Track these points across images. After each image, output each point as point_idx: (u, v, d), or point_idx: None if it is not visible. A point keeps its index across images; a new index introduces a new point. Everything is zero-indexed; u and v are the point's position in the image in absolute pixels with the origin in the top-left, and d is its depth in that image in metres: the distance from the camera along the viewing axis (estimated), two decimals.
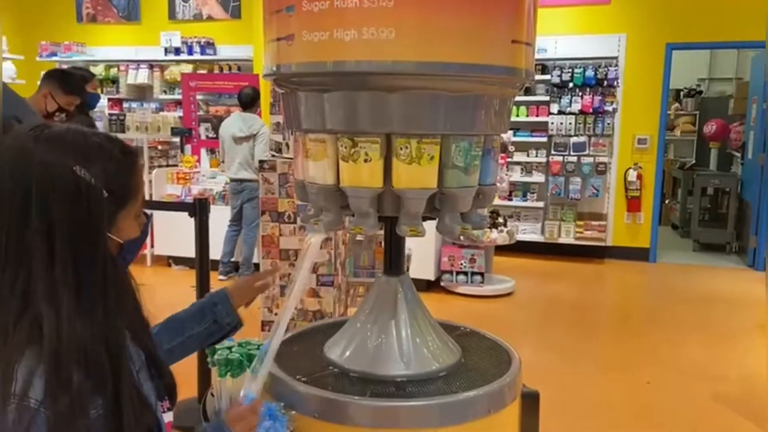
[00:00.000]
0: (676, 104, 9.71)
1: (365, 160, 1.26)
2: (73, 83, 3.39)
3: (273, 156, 3.00)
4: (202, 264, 3.03)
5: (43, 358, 0.84)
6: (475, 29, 1.22)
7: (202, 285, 3.04)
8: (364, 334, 1.46)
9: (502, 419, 1.39)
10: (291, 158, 2.88)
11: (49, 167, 0.90)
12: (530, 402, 1.53)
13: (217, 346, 1.40)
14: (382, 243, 3.45)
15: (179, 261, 6.05)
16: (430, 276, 5.30)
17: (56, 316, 0.87)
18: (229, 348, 1.41)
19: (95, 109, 5.24)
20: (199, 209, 2.86)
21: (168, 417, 1.07)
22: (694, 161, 9.21)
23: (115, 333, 0.94)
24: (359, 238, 3.37)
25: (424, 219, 1.36)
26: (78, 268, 0.90)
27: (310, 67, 1.26)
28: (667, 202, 9.23)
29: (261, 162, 2.90)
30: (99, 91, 6.75)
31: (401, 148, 1.26)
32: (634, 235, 6.90)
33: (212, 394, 1.46)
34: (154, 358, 1.08)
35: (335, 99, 1.28)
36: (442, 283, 5.41)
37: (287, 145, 2.86)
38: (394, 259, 1.52)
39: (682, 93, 9.77)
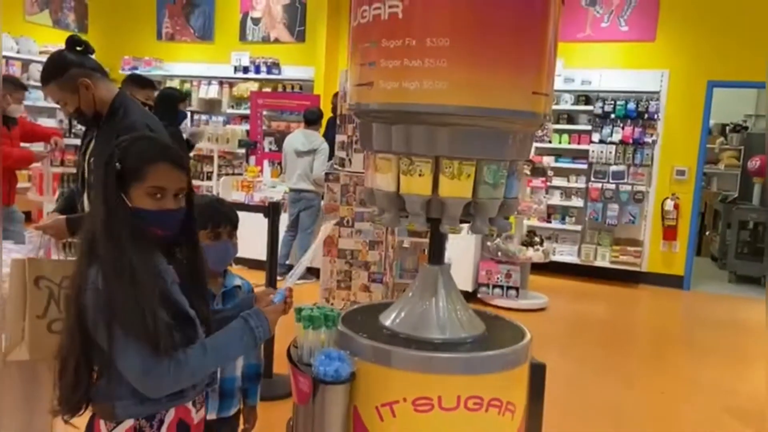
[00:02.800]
0: (722, 138, 9.87)
1: (419, 175, 1.73)
2: (144, 80, 4.09)
3: (336, 169, 3.51)
4: (272, 261, 3.54)
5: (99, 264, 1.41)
6: (505, 83, 1.68)
7: (272, 280, 3.55)
8: (411, 306, 1.92)
9: (513, 377, 1.81)
10: (352, 171, 3.39)
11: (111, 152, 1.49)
12: (538, 371, 1.95)
13: (303, 306, 1.88)
14: (425, 250, 3.91)
15: (238, 261, 6.62)
16: (468, 288, 5.71)
17: (100, 240, 1.42)
18: (311, 308, 1.89)
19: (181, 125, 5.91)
20: (272, 211, 3.38)
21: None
22: (736, 195, 9.33)
23: (134, 255, 1.42)
24: (406, 245, 3.84)
25: (461, 222, 1.82)
26: (106, 210, 1.44)
27: (383, 107, 1.74)
28: (707, 233, 9.37)
29: (327, 174, 3.42)
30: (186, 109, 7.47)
31: (446, 168, 1.72)
32: (669, 263, 7.14)
33: (295, 346, 1.94)
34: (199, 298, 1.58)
35: (400, 130, 1.75)
36: (479, 295, 5.81)
37: (350, 160, 3.36)
38: (436, 252, 1.98)
39: (728, 128, 9.92)
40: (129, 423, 1.46)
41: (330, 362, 1.71)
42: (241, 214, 2.44)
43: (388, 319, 1.93)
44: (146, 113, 2.50)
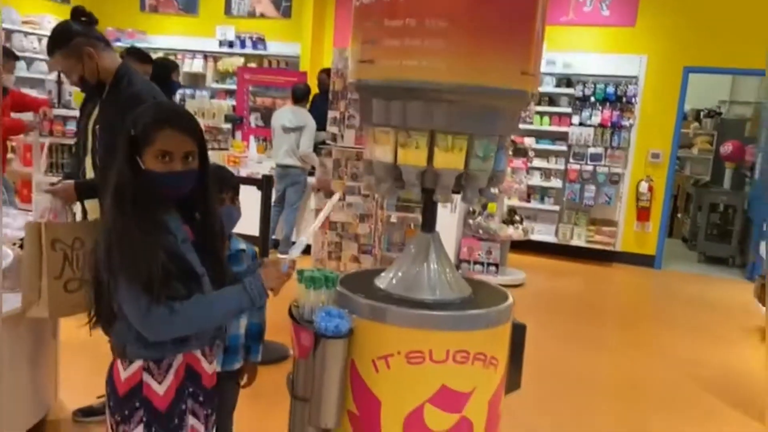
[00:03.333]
0: (696, 123, 10.15)
1: (416, 147, 1.87)
2: (145, 55, 4.13)
3: (328, 144, 3.64)
4: (265, 233, 3.66)
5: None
6: (497, 63, 1.82)
7: (264, 252, 3.67)
8: (405, 269, 2.07)
9: (496, 334, 1.98)
10: (344, 147, 3.51)
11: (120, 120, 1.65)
12: (519, 331, 2.13)
13: (304, 269, 2.02)
14: (412, 225, 4.06)
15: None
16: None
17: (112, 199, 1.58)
18: (312, 270, 2.03)
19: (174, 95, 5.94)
20: (266, 184, 3.50)
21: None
22: (708, 179, 9.65)
23: (141, 212, 1.55)
24: (393, 219, 3.99)
25: (453, 192, 1.97)
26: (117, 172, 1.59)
27: (383, 83, 1.87)
28: (679, 216, 9.69)
29: (318, 147, 3.54)
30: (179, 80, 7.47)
31: (441, 141, 1.86)
32: (641, 243, 7.41)
33: (296, 305, 2.08)
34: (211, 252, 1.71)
35: (399, 105, 1.88)
36: (459, 271, 5.97)
37: (342, 136, 3.49)
38: (429, 220, 2.13)
39: (702, 113, 10.20)
40: (139, 363, 1.60)
41: (330, 319, 1.85)
42: None
43: (384, 282, 2.08)
44: (149, 84, 2.59)
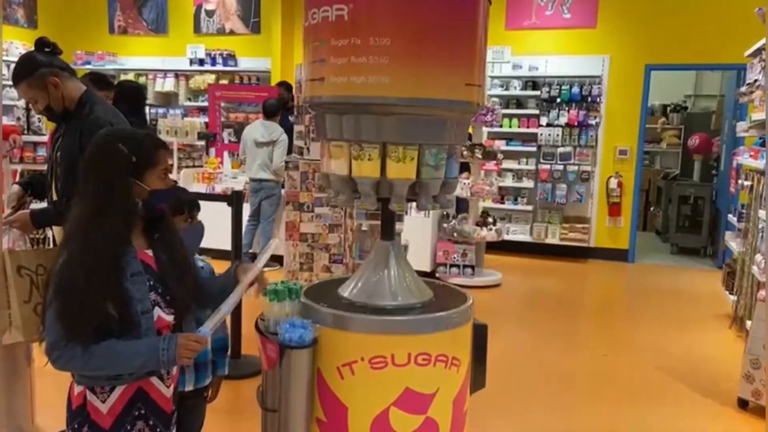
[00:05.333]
0: (663, 119, 10.38)
1: (369, 159, 1.95)
2: (103, 81, 4.14)
3: (295, 157, 3.70)
4: (236, 248, 3.71)
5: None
6: (441, 77, 1.90)
7: (236, 256, 3.72)
8: (366, 277, 2.14)
9: (456, 335, 2.05)
10: (311, 159, 3.58)
11: (108, 144, 1.68)
12: (480, 331, 2.20)
13: (272, 282, 2.08)
14: None
15: (203, 252, 6.74)
16: (427, 268, 5.98)
17: (81, 228, 1.60)
18: (276, 284, 2.09)
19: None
20: (235, 200, 3.55)
21: (169, 318, 1.72)
22: (678, 172, 9.86)
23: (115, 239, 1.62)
24: (364, 227, 4.06)
25: (407, 200, 2.05)
26: (107, 197, 1.61)
27: (334, 99, 1.95)
28: (651, 209, 9.89)
29: (287, 162, 3.60)
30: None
31: (392, 152, 1.94)
32: (614, 238, 7.56)
33: (262, 318, 2.14)
34: (176, 276, 1.75)
35: (350, 119, 1.96)
36: (437, 274, 6.08)
37: (308, 149, 3.55)
38: (387, 228, 2.20)
39: (668, 108, 10.44)
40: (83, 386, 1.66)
41: (294, 329, 1.92)
42: (204, 204, 2.62)
43: (346, 291, 2.15)
44: (109, 109, 2.64)
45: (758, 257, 4.07)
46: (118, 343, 1.59)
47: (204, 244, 7.02)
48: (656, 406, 3.58)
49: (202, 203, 2.77)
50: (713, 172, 8.38)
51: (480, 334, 2.20)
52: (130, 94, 4.26)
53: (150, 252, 1.75)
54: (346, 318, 1.95)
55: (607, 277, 7.02)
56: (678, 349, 4.50)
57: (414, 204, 2.11)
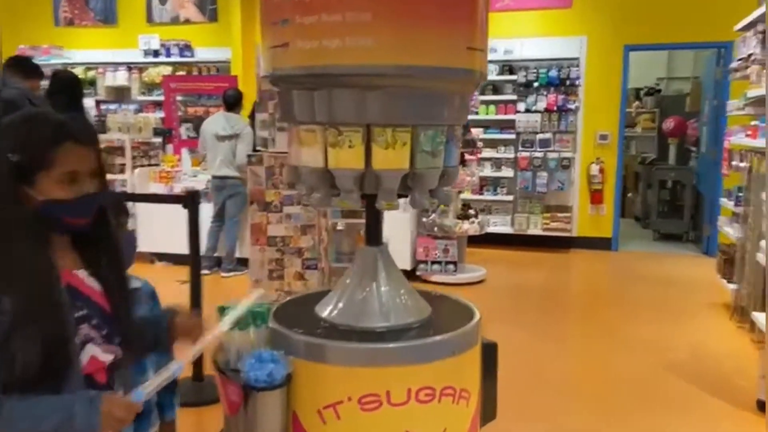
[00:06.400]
0: (637, 102, 10.18)
1: (349, 146, 1.54)
2: (29, 66, 3.65)
3: (259, 150, 3.26)
4: (194, 256, 3.26)
5: None
6: (438, 38, 1.50)
7: (195, 277, 3.27)
8: (349, 293, 1.73)
9: (465, 361, 1.67)
10: (277, 152, 3.15)
11: None
12: (490, 350, 1.82)
13: (227, 305, 1.65)
14: (362, 231, 3.73)
15: (162, 257, 6.23)
16: (407, 266, 5.59)
17: None
18: (234, 305, 1.67)
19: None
20: (191, 201, 3.10)
21: (106, 357, 1.34)
22: (654, 156, 9.67)
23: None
24: (340, 227, 3.65)
25: (399, 196, 1.64)
26: None
27: (302, 70, 1.53)
28: (629, 195, 9.68)
29: (249, 156, 3.16)
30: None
31: (379, 136, 1.53)
32: (597, 226, 7.30)
33: (221, 351, 1.71)
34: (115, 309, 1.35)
35: (324, 96, 1.54)
36: (417, 273, 5.71)
37: (273, 140, 3.12)
38: (373, 231, 1.79)
39: (642, 92, 10.24)
40: None
41: (261, 365, 1.51)
42: (160, 207, 2.21)
43: (326, 310, 1.74)
44: (18, 93, 2.16)
45: (763, 243, 3.79)
46: (21, 402, 1.17)
47: (160, 248, 6.48)
48: (672, 412, 3.27)
49: (155, 206, 2.42)
50: (694, 155, 8.18)
51: (489, 355, 1.83)
52: (67, 84, 3.74)
53: (81, 273, 1.35)
54: (327, 347, 1.55)
55: (592, 267, 6.75)
56: (681, 344, 4.20)
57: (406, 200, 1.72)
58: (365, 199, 1.67)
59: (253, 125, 5.56)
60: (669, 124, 9.20)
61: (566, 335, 4.56)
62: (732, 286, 4.51)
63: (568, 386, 3.63)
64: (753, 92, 4.21)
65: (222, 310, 1.65)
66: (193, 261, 3.26)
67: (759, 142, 4.03)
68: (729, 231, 4.72)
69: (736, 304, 4.40)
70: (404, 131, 1.53)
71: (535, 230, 7.18)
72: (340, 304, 1.73)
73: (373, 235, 1.80)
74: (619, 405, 3.37)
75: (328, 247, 3.33)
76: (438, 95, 1.58)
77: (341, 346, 1.55)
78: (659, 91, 10.28)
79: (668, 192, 8.21)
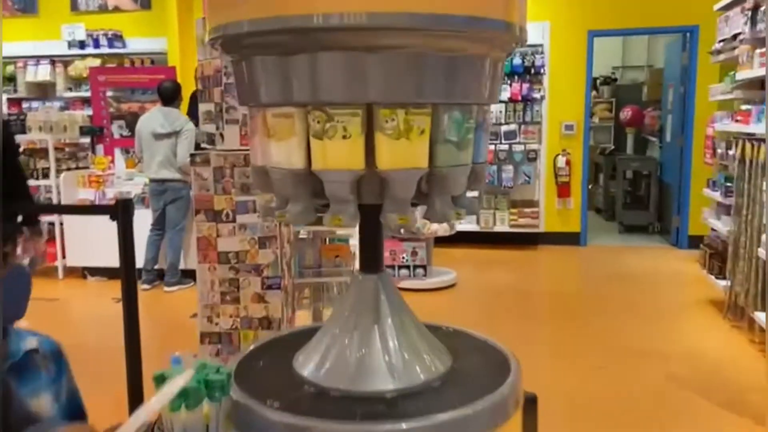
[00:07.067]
0: (594, 92, 10.00)
1: (344, 137, 1.05)
2: None
3: (204, 149, 2.71)
4: (128, 272, 2.69)
5: None
6: None
7: (129, 296, 2.71)
8: (342, 344, 1.24)
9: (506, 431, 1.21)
10: (226, 150, 2.60)
11: None
12: (530, 406, 1.37)
13: (167, 372, 1.13)
14: (327, 240, 3.22)
15: (95, 272, 5.56)
16: None
17: None
18: (179, 369, 1.15)
19: None
20: (122, 211, 2.52)
21: None
22: (613, 147, 9.52)
23: None
24: (303, 235, 3.13)
25: (411, 205, 1.16)
26: None
27: (270, 23, 1.02)
28: (590, 187, 9.49)
29: (193, 155, 2.60)
30: None
31: (386, 121, 1.05)
32: (565, 221, 7.01)
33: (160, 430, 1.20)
34: None
35: (302, 63, 1.05)
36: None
37: (221, 135, 2.57)
38: (372, 253, 1.31)
39: (598, 81, 10.08)
40: None
41: None
42: (88, 218, 1.70)
43: (308, 366, 1.25)
44: None
45: (764, 237, 3.50)
46: None
47: (93, 262, 5.72)
48: (672, 428, 2.91)
49: (80, 218, 1.91)
50: (658, 145, 8.02)
51: (530, 415, 1.37)
52: None
53: None
54: (315, 429, 1.06)
55: (564, 265, 6.44)
56: (677, 349, 3.89)
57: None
58: (363, 211, 1.19)
59: (195, 119, 4.97)
60: (626, 113, 9.07)
61: (552, 346, 4.19)
62: (723, 283, 4.24)
63: (565, 405, 3.23)
64: (742, 74, 3.92)
65: (159, 380, 1.13)
66: (126, 279, 2.68)
67: (754, 128, 3.75)
68: (716, 223, 4.45)
69: (729, 302, 4.12)
70: (422, 113, 1.06)
71: (502, 227, 6.82)
72: (331, 359, 1.24)
73: (372, 258, 1.31)
74: (625, 423, 3.00)
75: (290, 260, 2.81)
76: (468, 61, 1.10)
77: (337, 428, 1.07)
78: (615, 80, 10.15)
79: (628, 182, 8.02)
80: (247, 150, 2.60)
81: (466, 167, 1.16)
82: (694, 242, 6.35)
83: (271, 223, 2.56)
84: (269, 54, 1.08)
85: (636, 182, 8.03)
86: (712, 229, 5.02)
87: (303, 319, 3.12)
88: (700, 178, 6.33)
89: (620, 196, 7.90)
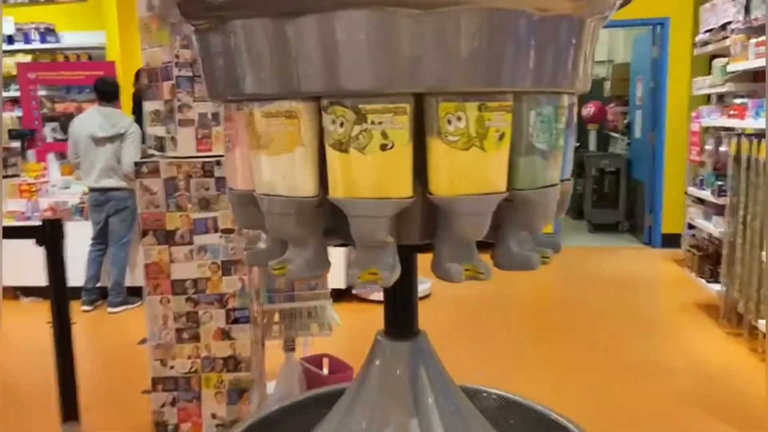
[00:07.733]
0: None
1: (382, 147, 0.65)
2: None
3: (153, 155, 2.25)
4: (58, 299, 2.22)
5: None
6: None
7: (61, 324, 2.24)
8: None
9: None
10: (179, 157, 2.15)
11: None
12: None
13: None
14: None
15: (30, 292, 4.96)
16: (341, 284, 4.68)
17: None
18: None
19: None
20: (50, 233, 2.05)
21: None
22: (577, 144, 9.39)
23: None
24: None
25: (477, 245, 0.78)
26: None
27: None
28: None
29: (137, 165, 2.14)
30: None
31: (449, 121, 0.66)
32: None
33: None
34: None
35: (311, 30, 0.65)
36: (354, 291, 4.84)
37: (173, 140, 2.12)
38: (406, 311, 0.92)
39: None
40: None
41: None
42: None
43: None
44: None
45: None
46: None
47: (26, 282, 5.04)
48: None
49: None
50: (626, 141, 7.88)
51: None
52: None
53: None
54: None
55: (541, 269, 6.12)
56: (678, 364, 3.61)
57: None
58: (403, 253, 0.79)
59: (139, 121, 4.43)
60: (589, 109, 8.93)
61: (541, 360, 3.87)
62: (716, 287, 4.02)
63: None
64: (735, 66, 3.70)
65: None
66: (55, 303, 2.22)
67: (751, 123, 3.52)
68: (706, 224, 4.24)
69: (726, 309, 3.89)
70: (503, 108, 0.67)
71: None
72: None
73: (405, 317, 0.92)
74: None
75: (259, 287, 2.38)
76: (563, 24, 0.72)
77: None
78: None
79: (595, 180, 7.85)
80: (206, 156, 2.16)
81: (556, 188, 0.78)
82: (668, 241, 6.22)
83: (235, 242, 2.14)
84: (258, 15, 0.67)
85: (603, 180, 7.87)
86: (690, 226, 4.83)
87: (273, 351, 2.69)
88: (673, 176, 6.20)
89: (588, 194, 7.71)
